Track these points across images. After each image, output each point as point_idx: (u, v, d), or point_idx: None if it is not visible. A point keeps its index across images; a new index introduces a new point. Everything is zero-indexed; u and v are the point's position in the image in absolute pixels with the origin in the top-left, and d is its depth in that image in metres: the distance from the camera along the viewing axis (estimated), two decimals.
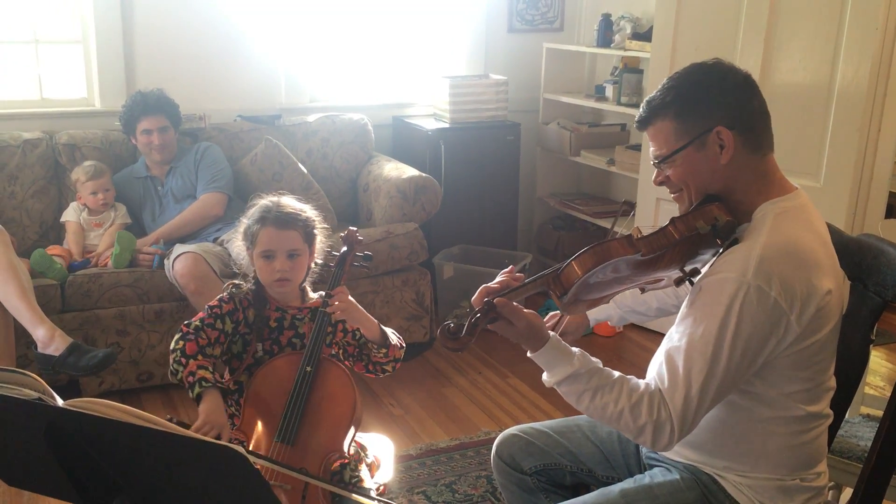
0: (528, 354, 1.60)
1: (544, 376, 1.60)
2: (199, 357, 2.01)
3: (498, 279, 1.65)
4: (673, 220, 1.58)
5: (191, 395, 1.97)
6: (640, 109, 1.66)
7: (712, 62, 1.62)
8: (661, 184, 1.67)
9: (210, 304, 2.11)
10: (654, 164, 1.65)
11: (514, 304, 1.56)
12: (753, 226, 1.59)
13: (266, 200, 2.14)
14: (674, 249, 1.56)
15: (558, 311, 1.90)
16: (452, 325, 1.52)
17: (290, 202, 2.15)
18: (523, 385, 3.47)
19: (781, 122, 3.28)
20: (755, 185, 1.61)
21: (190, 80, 4.03)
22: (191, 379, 1.97)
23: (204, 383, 1.96)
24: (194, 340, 2.02)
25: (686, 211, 1.61)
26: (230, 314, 2.10)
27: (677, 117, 1.58)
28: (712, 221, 1.56)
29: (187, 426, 1.89)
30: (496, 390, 3.47)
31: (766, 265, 1.50)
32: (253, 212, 2.13)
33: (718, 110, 1.57)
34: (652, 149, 1.65)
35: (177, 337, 2.05)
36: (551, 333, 1.59)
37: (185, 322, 2.08)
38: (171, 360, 2.02)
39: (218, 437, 1.90)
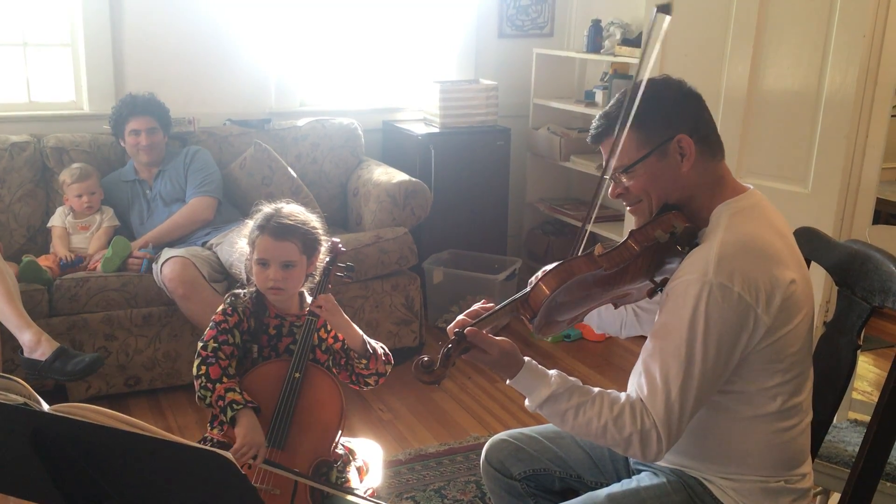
0: (507, 382, 1.63)
1: (526, 402, 1.62)
2: (225, 379, 2.01)
3: (469, 309, 1.68)
4: (632, 233, 1.60)
5: (224, 419, 1.97)
6: (596, 122, 1.67)
7: (661, 77, 1.66)
8: (618, 196, 1.68)
9: (215, 318, 2.10)
10: (611, 176, 1.65)
11: (485, 332, 1.58)
12: (710, 227, 1.62)
13: (269, 208, 2.14)
14: (636, 262, 1.58)
15: None
16: (426, 358, 1.54)
17: (293, 211, 2.14)
18: (512, 390, 3.46)
19: (769, 128, 3.32)
20: (712, 190, 1.64)
21: (179, 84, 4.02)
22: (221, 403, 1.97)
23: (235, 406, 1.96)
24: (216, 363, 2.03)
25: (645, 221, 1.63)
26: (237, 326, 2.10)
27: (638, 128, 1.60)
28: (671, 229, 1.58)
29: (228, 446, 1.89)
30: (485, 395, 3.46)
31: (726, 262, 1.52)
32: (256, 217, 2.13)
33: (677, 119, 1.61)
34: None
35: (197, 362, 2.05)
36: (526, 359, 1.61)
37: (201, 344, 2.07)
38: (196, 386, 2.03)
39: (255, 458, 1.91)
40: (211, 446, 1.46)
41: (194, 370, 2.04)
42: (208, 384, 2.00)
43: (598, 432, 1.55)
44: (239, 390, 2.00)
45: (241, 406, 1.96)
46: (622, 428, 1.52)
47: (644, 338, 1.69)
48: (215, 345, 2.05)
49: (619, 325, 1.97)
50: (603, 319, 1.98)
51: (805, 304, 1.60)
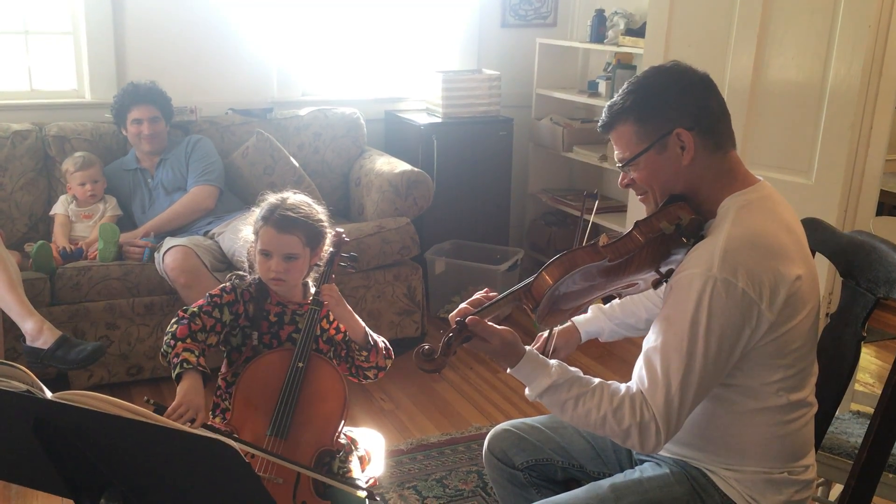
0: (508, 371, 1.63)
1: (526, 391, 1.62)
2: (188, 341, 2.01)
3: (472, 298, 1.68)
4: (637, 224, 1.60)
5: (172, 375, 1.97)
6: (603, 114, 1.68)
7: (670, 65, 1.65)
8: (627, 186, 1.70)
9: (211, 292, 2.11)
10: (618, 167, 1.67)
11: (487, 321, 1.58)
12: (717, 220, 1.61)
13: (275, 198, 2.13)
14: (641, 253, 1.58)
15: (543, 333, 1.93)
16: (427, 347, 1.54)
17: (298, 202, 2.12)
18: (514, 380, 3.46)
19: (773, 119, 3.31)
20: (718, 182, 1.63)
21: (181, 73, 4.01)
22: (175, 360, 1.98)
23: (185, 365, 1.96)
24: (186, 325, 2.03)
25: (651, 212, 1.63)
26: (230, 305, 2.10)
27: (638, 121, 1.61)
28: (676, 221, 1.58)
29: (164, 408, 1.89)
30: (487, 385, 3.47)
31: (731, 257, 1.51)
32: (262, 206, 2.13)
33: (676, 112, 1.60)
34: (616, 152, 1.67)
35: (172, 321, 2.06)
36: (527, 348, 1.61)
37: (184, 308, 2.09)
38: (163, 343, 2.03)
39: (192, 420, 1.90)
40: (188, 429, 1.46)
41: (167, 328, 2.05)
42: (171, 341, 2.01)
43: (597, 423, 1.55)
44: (197, 354, 2.00)
45: (191, 367, 1.96)
46: (621, 420, 1.52)
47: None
48: (195, 310, 2.06)
49: (634, 322, 1.98)
50: (618, 319, 1.98)
51: (810, 300, 1.60)
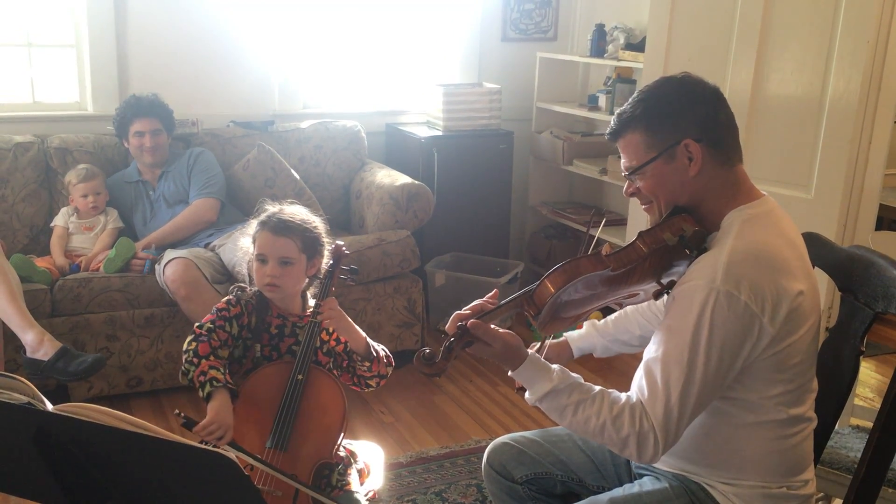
0: (509, 374, 1.63)
1: (526, 395, 1.62)
2: (211, 358, 2.01)
3: (471, 305, 1.68)
4: (640, 234, 1.60)
5: (201, 394, 1.98)
6: (612, 121, 1.69)
7: (681, 76, 1.66)
8: (632, 195, 1.70)
9: (217, 306, 2.12)
10: (625, 175, 1.68)
11: (489, 325, 1.59)
12: (721, 233, 1.62)
13: (273, 207, 2.16)
14: (644, 263, 1.58)
15: (535, 344, 1.94)
16: (428, 350, 1.55)
17: (295, 211, 2.15)
18: (514, 394, 3.46)
19: (772, 133, 3.32)
20: (723, 194, 1.64)
21: (183, 86, 4.02)
22: (202, 378, 1.98)
23: (215, 383, 1.97)
24: (207, 342, 2.04)
25: (655, 223, 1.63)
26: (237, 317, 2.11)
27: (647, 130, 1.61)
28: (679, 233, 1.58)
29: (195, 422, 1.89)
30: (487, 399, 3.46)
31: (734, 270, 1.52)
32: (260, 215, 2.15)
33: (686, 123, 1.60)
34: (623, 161, 1.68)
35: (189, 338, 2.06)
36: (530, 352, 1.61)
37: (198, 324, 2.09)
38: (182, 361, 2.04)
39: (220, 438, 1.91)
40: (213, 447, 1.46)
41: (184, 346, 2.05)
42: (194, 359, 2.01)
43: (596, 431, 1.55)
44: (223, 371, 2.00)
45: (221, 385, 1.96)
46: (620, 428, 1.52)
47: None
48: (210, 326, 2.07)
49: (627, 339, 1.98)
50: (609, 336, 1.98)
51: (811, 316, 1.60)
